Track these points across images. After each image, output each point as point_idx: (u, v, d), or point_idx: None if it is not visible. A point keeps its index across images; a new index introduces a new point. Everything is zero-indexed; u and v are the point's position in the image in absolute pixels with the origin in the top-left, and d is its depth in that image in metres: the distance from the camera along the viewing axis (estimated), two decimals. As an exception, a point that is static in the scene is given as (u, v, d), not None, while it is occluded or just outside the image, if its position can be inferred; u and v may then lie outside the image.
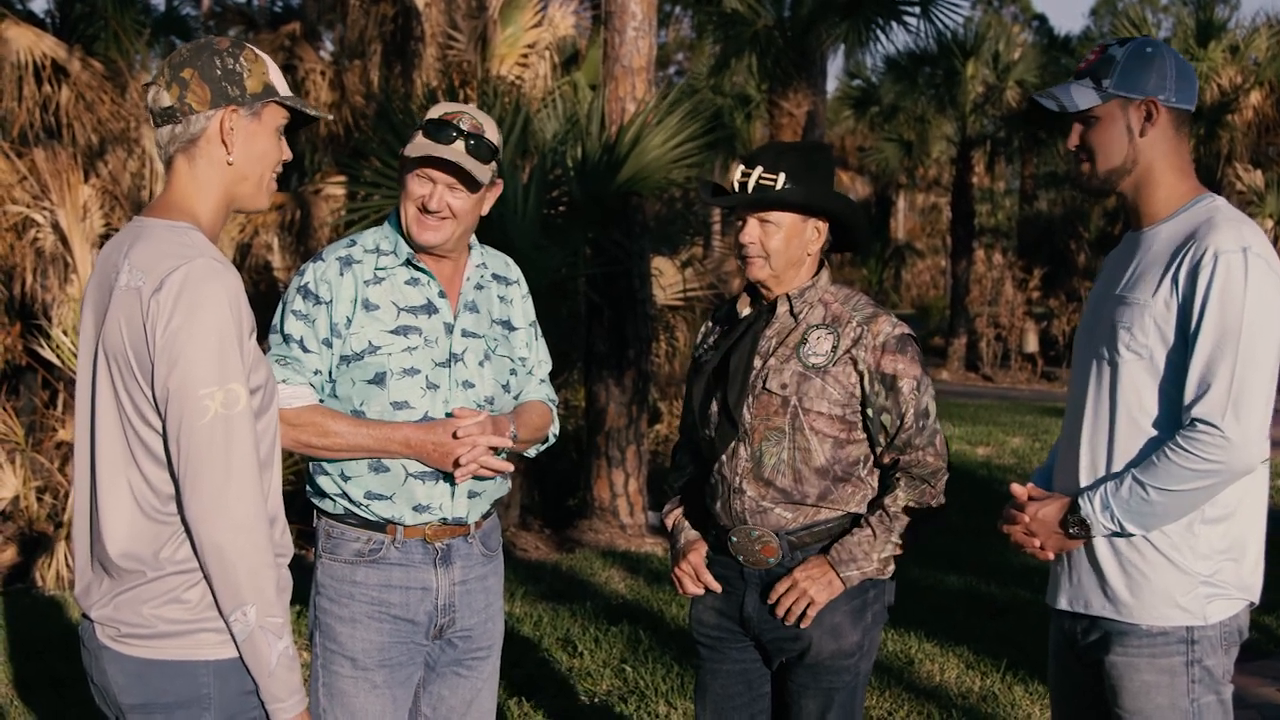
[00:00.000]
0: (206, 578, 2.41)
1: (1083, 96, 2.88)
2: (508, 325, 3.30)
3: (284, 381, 3.02)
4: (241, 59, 2.54)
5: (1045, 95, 2.93)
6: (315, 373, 3.07)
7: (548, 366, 3.41)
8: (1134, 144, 2.86)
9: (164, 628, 2.43)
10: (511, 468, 3.17)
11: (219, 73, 2.52)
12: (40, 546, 8.66)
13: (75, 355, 8.90)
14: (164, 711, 2.45)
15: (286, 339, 3.08)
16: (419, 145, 3.09)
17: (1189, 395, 2.72)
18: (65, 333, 9.05)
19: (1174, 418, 2.78)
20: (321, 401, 3.09)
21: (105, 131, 11.69)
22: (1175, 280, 2.75)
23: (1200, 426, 2.70)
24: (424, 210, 3.10)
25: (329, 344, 3.08)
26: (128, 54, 12.42)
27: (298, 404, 3.03)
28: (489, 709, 3.29)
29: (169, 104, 2.51)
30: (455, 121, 3.09)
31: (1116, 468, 2.84)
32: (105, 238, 10.32)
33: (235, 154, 2.54)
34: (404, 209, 3.13)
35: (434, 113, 3.13)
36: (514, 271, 3.38)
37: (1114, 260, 3.00)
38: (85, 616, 2.54)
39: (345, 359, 3.07)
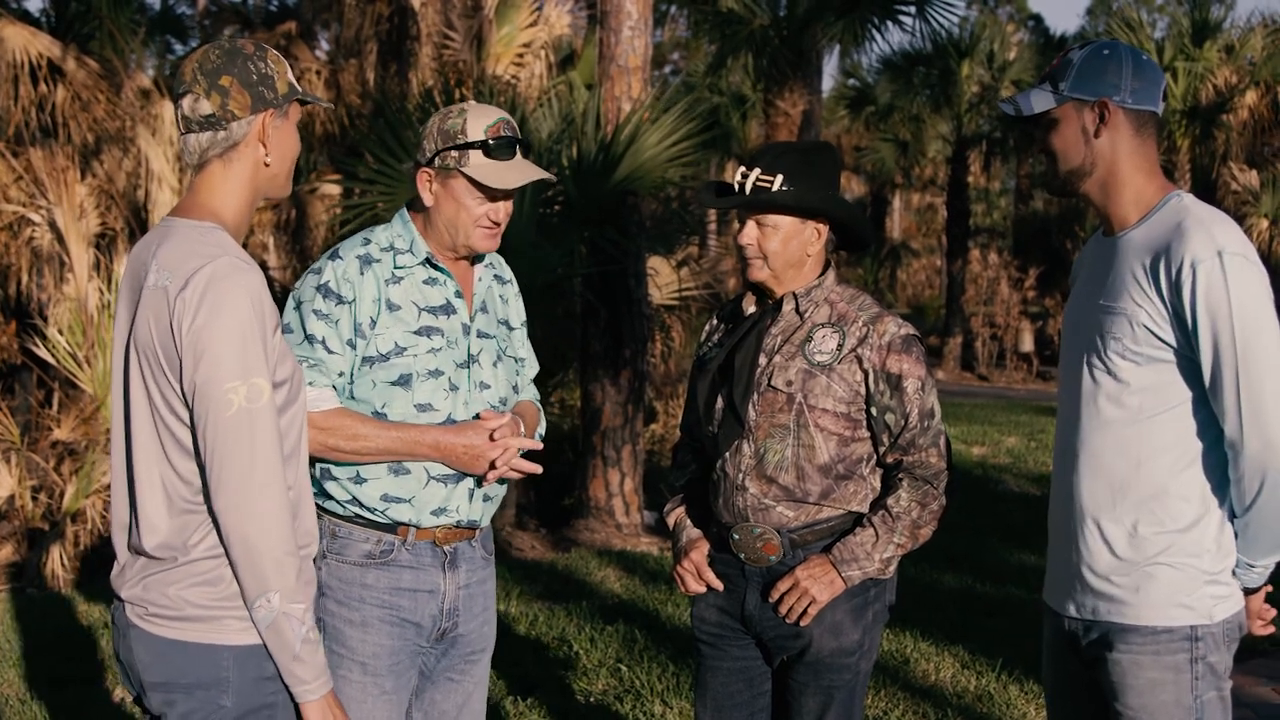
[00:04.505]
0: (232, 566, 2.50)
1: (1039, 100, 2.91)
2: (507, 325, 3.30)
3: (310, 384, 2.96)
4: (269, 61, 2.63)
5: (1006, 101, 2.97)
6: (339, 374, 3.02)
7: (535, 368, 3.41)
8: (1090, 146, 2.88)
9: (190, 611, 2.52)
10: (540, 469, 3.14)
11: (255, 78, 2.60)
12: (36, 545, 8.66)
13: (71, 355, 8.92)
14: (184, 691, 2.53)
15: (310, 340, 3.00)
16: (488, 171, 3.03)
17: (1220, 421, 2.76)
18: (60, 332, 9.06)
19: (1187, 405, 2.79)
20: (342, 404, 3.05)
21: (101, 130, 11.70)
22: (1160, 291, 2.75)
23: (1233, 453, 2.75)
24: (488, 223, 3.08)
25: (352, 345, 3.02)
26: (123, 53, 12.43)
27: (324, 407, 2.98)
28: (479, 710, 3.28)
29: (210, 112, 2.58)
30: (505, 133, 3.06)
31: (1148, 464, 2.82)
32: (101, 237, 10.33)
33: (271, 154, 2.63)
34: (458, 222, 3.08)
35: (476, 126, 3.05)
36: (507, 270, 3.37)
37: (1090, 265, 3.00)
38: (117, 596, 2.62)
39: (368, 360, 3.02)
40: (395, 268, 3.08)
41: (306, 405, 2.88)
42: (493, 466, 3.04)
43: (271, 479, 2.48)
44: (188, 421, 2.50)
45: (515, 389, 3.24)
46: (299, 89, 2.69)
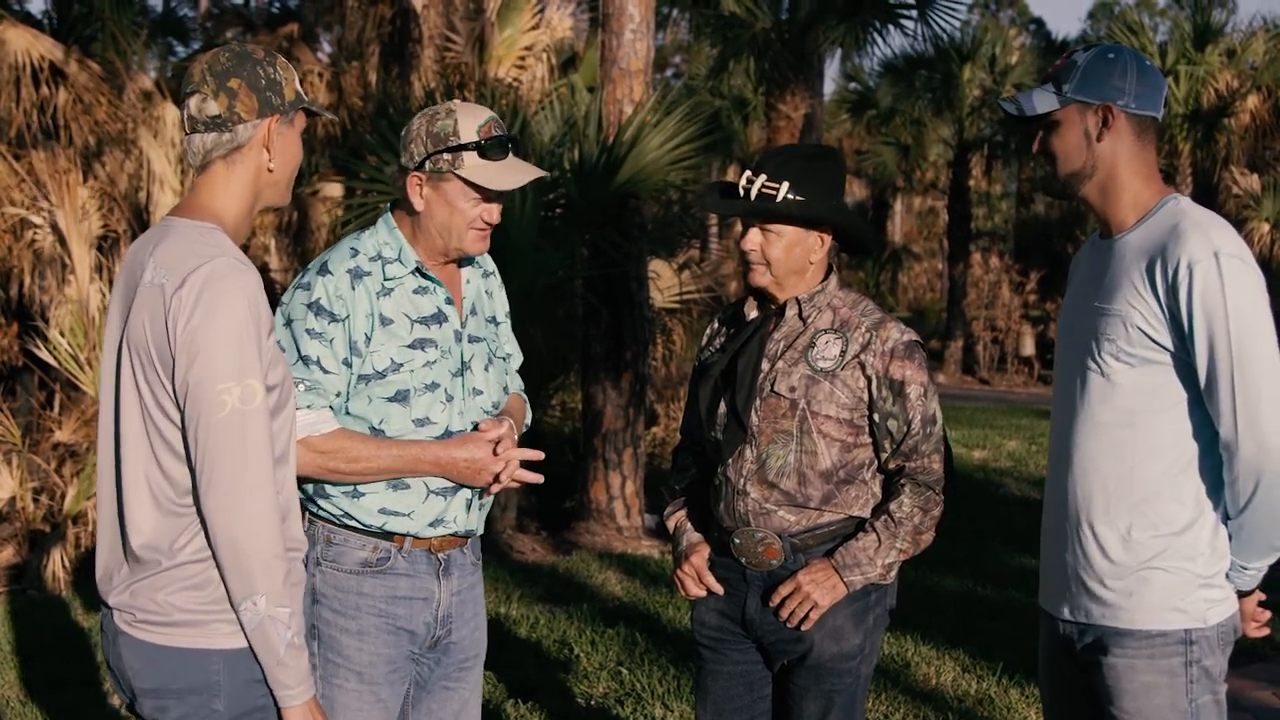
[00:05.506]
0: (219, 568, 2.49)
1: (1042, 101, 2.90)
2: (494, 321, 3.26)
3: (308, 407, 2.91)
4: (278, 67, 2.64)
5: (1009, 100, 2.96)
6: (336, 395, 2.96)
7: (519, 359, 3.37)
8: (1092, 149, 2.87)
9: (178, 616, 2.51)
10: (541, 479, 3.11)
11: (264, 82, 2.61)
12: (37, 547, 8.66)
13: (72, 357, 8.92)
14: (175, 697, 2.52)
15: (304, 360, 2.93)
16: (484, 172, 2.99)
17: (1216, 423, 2.76)
18: (62, 334, 9.06)
19: (1181, 407, 2.79)
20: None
21: (103, 133, 11.70)
22: (1156, 293, 2.75)
23: (1228, 454, 2.75)
24: (482, 224, 3.05)
25: (348, 364, 2.96)
26: (125, 55, 12.41)
27: (323, 429, 2.92)
28: (476, 716, 3.26)
29: (217, 113, 2.59)
30: (497, 132, 3.01)
31: (1142, 468, 2.82)
32: (103, 239, 10.34)
33: (275, 160, 2.64)
34: (451, 226, 3.03)
35: (468, 127, 3.00)
36: (490, 262, 3.31)
37: (1086, 268, 3.00)
38: (104, 604, 2.61)
39: (364, 378, 2.97)
40: (385, 279, 3.02)
41: (305, 428, 2.88)
42: (495, 479, 3.03)
43: (262, 481, 2.47)
44: (178, 422, 2.48)
45: (505, 390, 3.22)
46: (305, 98, 2.69)
